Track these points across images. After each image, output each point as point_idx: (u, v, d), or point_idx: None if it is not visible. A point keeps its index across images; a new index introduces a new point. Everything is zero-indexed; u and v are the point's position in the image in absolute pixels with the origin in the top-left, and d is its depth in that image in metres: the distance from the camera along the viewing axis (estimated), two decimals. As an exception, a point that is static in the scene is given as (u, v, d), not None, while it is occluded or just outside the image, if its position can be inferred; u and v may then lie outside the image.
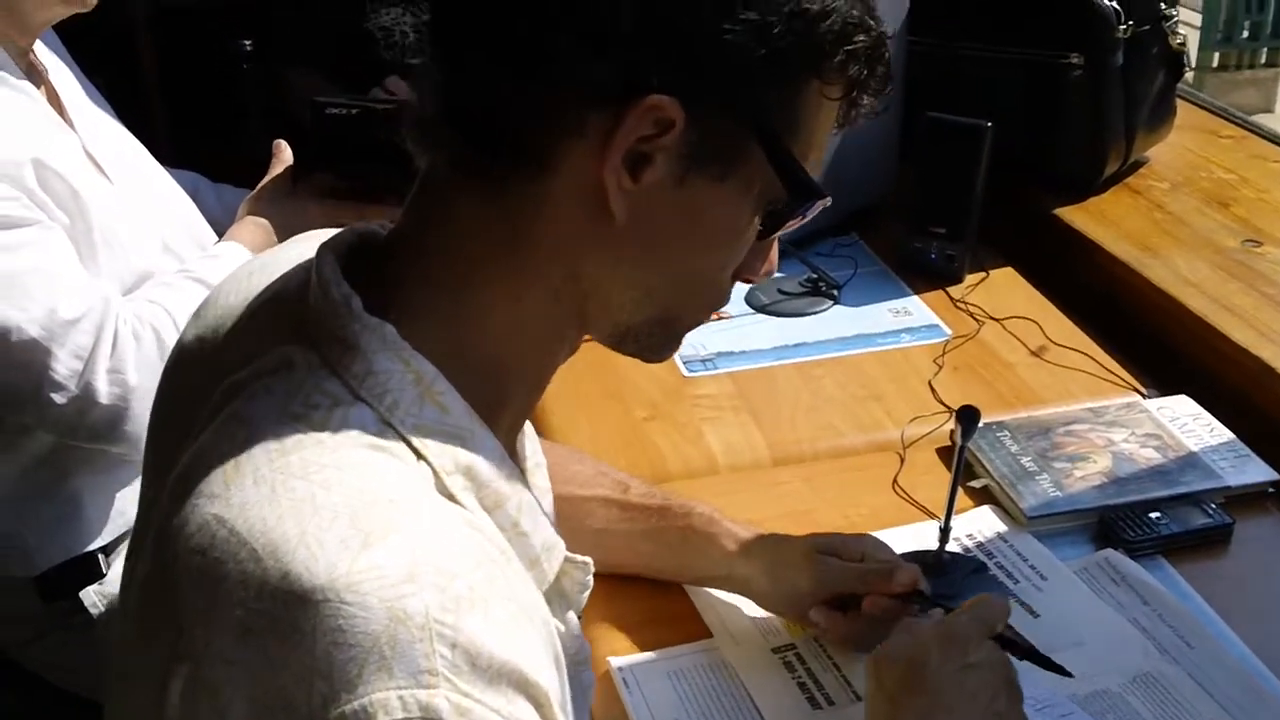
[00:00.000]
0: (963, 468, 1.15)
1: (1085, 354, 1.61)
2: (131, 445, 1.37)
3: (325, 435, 0.67)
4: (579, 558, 0.79)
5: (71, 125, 1.47)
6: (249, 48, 2.33)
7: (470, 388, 0.72)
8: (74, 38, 1.59)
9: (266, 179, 1.60)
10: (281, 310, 0.77)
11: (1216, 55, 6.79)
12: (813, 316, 1.71)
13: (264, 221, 1.55)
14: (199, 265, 1.48)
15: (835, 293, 1.75)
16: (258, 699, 0.61)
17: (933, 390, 1.54)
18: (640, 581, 1.18)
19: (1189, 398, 1.49)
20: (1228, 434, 1.41)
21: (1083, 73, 1.80)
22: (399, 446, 0.68)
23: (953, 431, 1.19)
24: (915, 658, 0.91)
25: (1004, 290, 1.77)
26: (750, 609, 1.17)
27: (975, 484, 1.36)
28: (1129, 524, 1.27)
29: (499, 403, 0.76)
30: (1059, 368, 1.59)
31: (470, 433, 0.71)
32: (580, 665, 0.84)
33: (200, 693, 0.62)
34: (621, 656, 1.13)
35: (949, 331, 1.67)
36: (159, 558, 0.68)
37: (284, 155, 1.61)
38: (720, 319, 1.64)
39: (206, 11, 2.65)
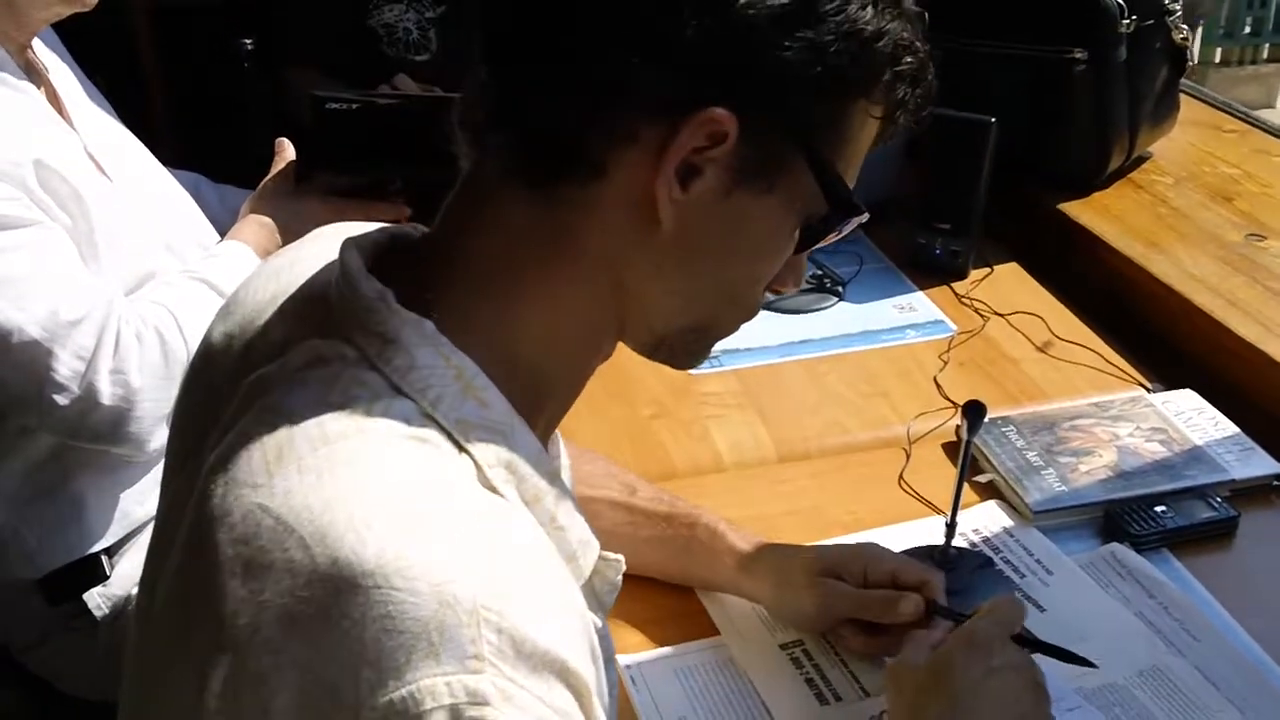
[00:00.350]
0: (968, 463, 1.15)
1: (1090, 349, 1.60)
2: (135, 446, 1.37)
3: (368, 425, 0.68)
4: (612, 555, 0.80)
5: (72, 125, 1.46)
6: (250, 47, 2.33)
7: (509, 389, 0.73)
8: (74, 37, 1.58)
9: (269, 177, 1.60)
10: (310, 306, 0.78)
11: (1219, 50, 6.80)
12: (818, 313, 1.71)
13: (267, 220, 1.55)
14: (202, 265, 1.47)
15: (840, 289, 1.75)
16: (304, 688, 0.61)
17: (938, 386, 1.54)
18: (647, 579, 1.18)
19: (1194, 392, 1.49)
20: (1232, 427, 1.41)
21: (1086, 68, 1.80)
22: (441, 439, 0.69)
23: (958, 427, 1.19)
24: (938, 664, 0.91)
25: (1009, 286, 1.77)
26: (758, 605, 1.17)
27: (981, 479, 1.36)
28: (1134, 518, 1.27)
29: (536, 406, 0.76)
30: (1064, 363, 1.59)
31: (511, 428, 0.72)
32: (608, 664, 0.84)
33: (244, 683, 0.62)
34: (628, 654, 1.13)
35: (954, 327, 1.67)
36: (195, 549, 0.68)
37: (286, 153, 1.61)
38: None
39: (207, 10, 2.65)
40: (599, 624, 0.78)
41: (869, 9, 0.71)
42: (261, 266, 0.87)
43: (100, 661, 1.46)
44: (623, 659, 1.12)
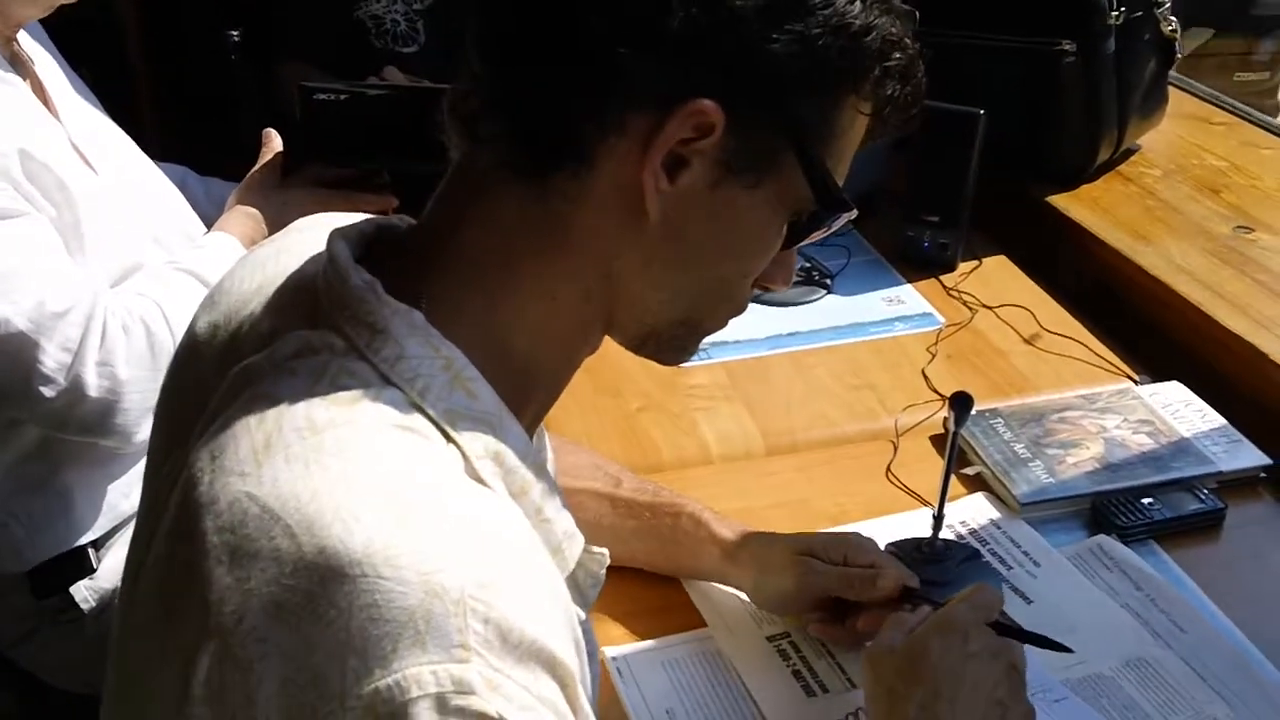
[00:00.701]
0: (956, 455, 1.15)
1: (1078, 341, 1.61)
2: (122, 438, 1.37)
3: (356, 415, 0.68)
4: (596, 549, 0.80)
5: (57, 117, 1.45)
6: (238, 39, 2.32)
7: (497, 381, 0.73)
8: (60, 29, 1.57)
9: (255, 169, 1.59)
10: (297, 296, 0.78)
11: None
12: (806, 305, 1.71)
13: (254, 212, 1.54)
14: (188, 257, 1.47)
15: (828, 282, 1.75)
16: (290, 677, 0.61)
17: (926, 378, 1.54)
18: (634, 571, 1.18)
19: (1181, 384, 1.49)
20: (1220, 419, 1.42)
21: (1075, 60, 1.80)
22: (430, 429, 0.69)
23: (946, 419, 1.19)
24: (914, 649, 0.91)
25: (997, 278, 1.77)
26: (745, 597, 1.17)
27: (968, 471, 1.36)
28: (1122, 510, 1.27)
29: (524, 398, 0.76)
30: (1052, 355, 1.59)
31: (499, 419, 0.72)
32: (590, 658, 0.84)
33: (230, 671, 0.62)
34: (615, 646, 1.13)
35: (942, 320, 1.67)
36: (181, 537, 0.68)
37: (273, 144, 1.60)
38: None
39: (195, 2, 2.64)
40: (582, 617, 0.78)
41: (857, 3, 0.71)
42: (246, 257, 0.87)
43: (87, 655, 1.46)
44: (609, 651, 1.12)
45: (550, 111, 0.71)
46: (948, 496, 1.16)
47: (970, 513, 1.31)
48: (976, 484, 1.35)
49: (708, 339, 0.84)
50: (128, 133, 1.61)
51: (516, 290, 0.74)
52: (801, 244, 0.80)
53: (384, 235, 0.80)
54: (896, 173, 1.89)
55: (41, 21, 1.50)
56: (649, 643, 1.14)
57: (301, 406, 0.68)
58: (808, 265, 1.75)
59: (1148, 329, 1.66)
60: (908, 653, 0.91)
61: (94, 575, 1.46)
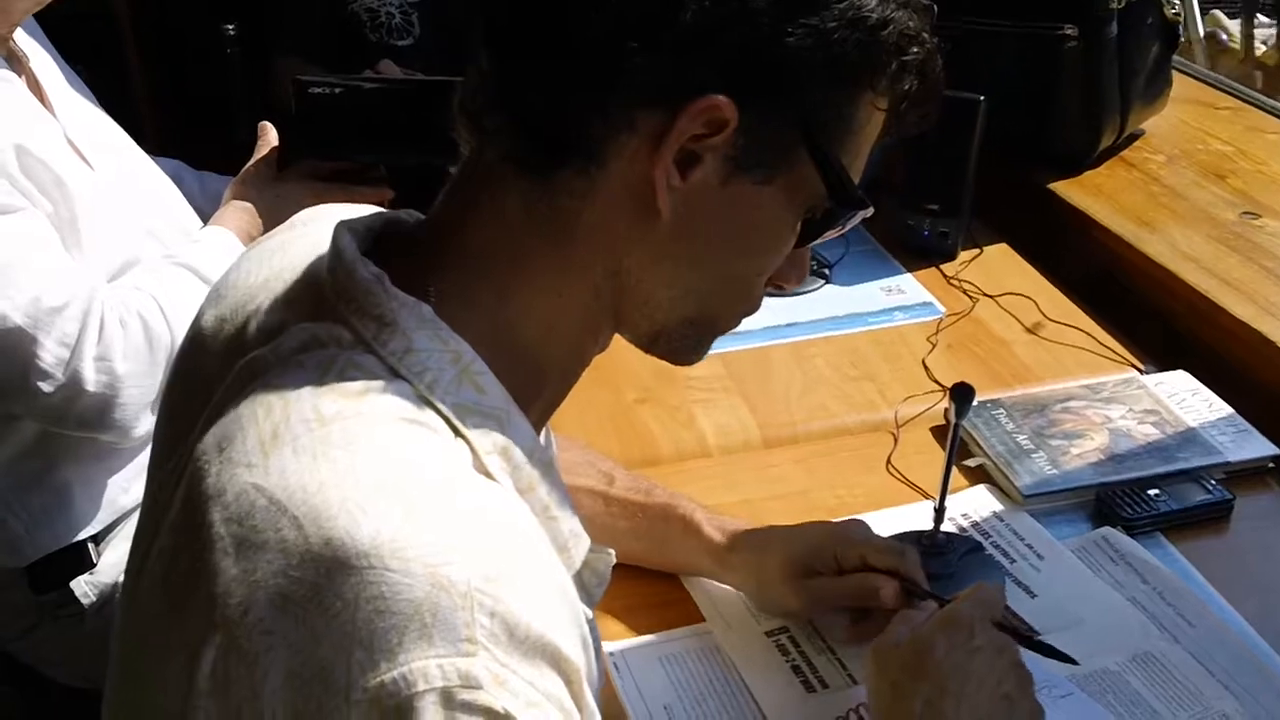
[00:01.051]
0: (957, 446, 1.14)
1: (1081, 330, 1.59)
2: (120, 432, 1.37)
3: (364, 408, 0.67)
4: (602, 549, 0.80)
5: (53, 112, 1.45)
6: (232, 32, 2.32)
7: (506, 376, 0.72)
8: (56, 25, 1.57)
9: (251, 162, 1.59)
10: (304, 289, 0.77)
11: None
12: (805, 296, 1.69)
13: (249, 206, 1.54)
14: (184, 252, 1.47)
15: (827, 271, 1.74)
16: (295, 669, 0.60)
17: (926, 369, 1.53)
18: (631, 566, 1.16)
19: (1187, 373, 1.47)
20: (1227, 409, 1.40)
21: (1077, 44, 1.79)
22: (438, 423, 0.69)
23: (947, 410, 1.18)
24: (918, 644, 0.90)
25: (998, 267, 1.76)
26: (742, 593, 1.16)
27: (970, 463, 1.35)
28: (1127, 501, 1.26)
29: (532, 394, 0.76)
30: (1055, 344, 1.58)
31: (506, 415, 0.72)
32: (596, 656, 0.84)
33: (235, 663, 0.62)
34: (613, 642, 1.12)
35: (943, 309, 1.66)
36: (186, 529, 0.68)
37: (268, 137, 1.60)
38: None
39: (189, -2, 2.64)
40: (588, 615, 0.77)
41: None
42: (251, 250, 0.87)
43: (88, 649, 1.46)
44: (607, 646, 1.11)
45: (553, 107, 0.70)
46: (949, 488, 1.15)
47: (972, 505, 1.29)
48: (979, 475, 1.34)
49: None
50: (123, 127, 1.61)
51: (525, 286, 0.74)
52: (816, 242, 0.79)
53: (391, 228, 0.79)
54: (896, 161, 1.87)
55: (37, 17, 1.50)
56: (647, 638, 1.13)
57: (309, 398, 0.68)
58: (807, 255, 1.74)
59: (1153, 317, 1.64)
60: (913, 648, 0.91)
61: (94, 570, 1.46)
